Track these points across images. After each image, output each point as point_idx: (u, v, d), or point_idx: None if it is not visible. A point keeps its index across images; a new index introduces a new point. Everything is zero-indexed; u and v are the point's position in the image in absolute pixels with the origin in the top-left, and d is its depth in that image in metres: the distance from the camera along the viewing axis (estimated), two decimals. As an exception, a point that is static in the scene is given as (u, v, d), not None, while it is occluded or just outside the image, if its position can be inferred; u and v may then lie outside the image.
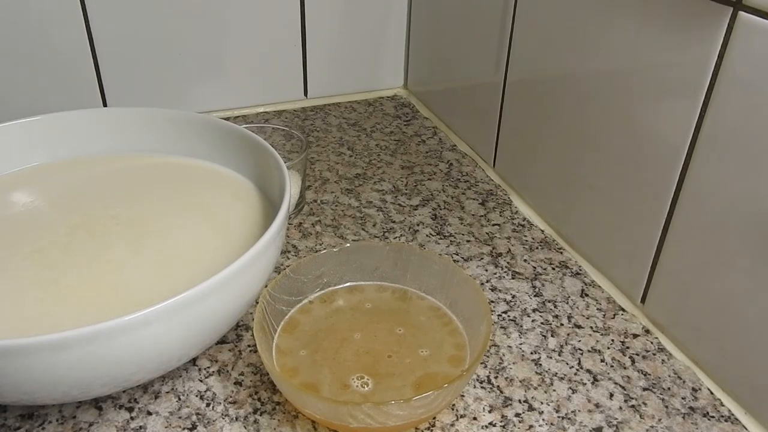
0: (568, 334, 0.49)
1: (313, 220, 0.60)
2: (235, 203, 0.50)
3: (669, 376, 0.45)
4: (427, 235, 0.59)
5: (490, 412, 0.42)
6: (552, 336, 0.48)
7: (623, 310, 0.51)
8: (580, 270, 0.55)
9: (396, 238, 0.58)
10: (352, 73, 0.83)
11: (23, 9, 0.66)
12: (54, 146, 0.54)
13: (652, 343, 0.48)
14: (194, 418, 0.42)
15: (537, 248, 0.57)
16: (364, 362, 0.43)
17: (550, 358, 0.47)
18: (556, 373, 0.45)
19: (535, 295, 0.52)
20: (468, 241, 0.58)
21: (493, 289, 0.53)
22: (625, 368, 0.46)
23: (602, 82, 0.50)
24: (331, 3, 0.77)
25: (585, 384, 0.45)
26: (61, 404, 0.42)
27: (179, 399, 0.43)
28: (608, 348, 0.48)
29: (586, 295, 0.52)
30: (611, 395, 0.44)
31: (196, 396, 0.43)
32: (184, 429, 0.41)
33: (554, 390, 0.44)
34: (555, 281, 0.54)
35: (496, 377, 0.45)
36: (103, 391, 0.39)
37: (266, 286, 0.44)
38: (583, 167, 0.54)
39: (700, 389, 0.44)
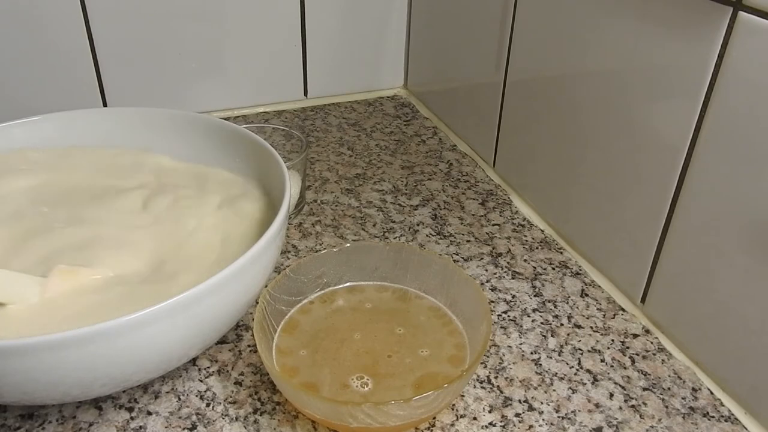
0: (568, 334, 0.49)
1: (313, 220, 0.60)
2: (234, 203, 0.50)
3: (669, 376, 0.45)
4: (427, 235, 0.59)
5: (490, 412, 0.42)
6: (552, 336, 0.48)
7: (623, 310, 0.51)
8: (580, 270, 0.55)
9: (396, 238, 0.58)
10: (352, 73, 0.83)
11: (23, 9, 0.66)
12: (53, 146, 0.54)
13: (652, 343, 0.48)
14: (194, 418, 0.42)
15: (537, 248, 0.57)
16: (364, 362, 0.43)
17: (550, 358, 0.47)
18: (556, 373, 0.45)
19: (535, 295, 0.52)
20: (468, 241, 0.58)
21: (493, 289, 0.53)
22: (625, 368, 0.46)
23: (602, 82, 0.50)
24: (331, 3, 0.77)
25: (585, 384, 0.45)
26: (61, 404, 0.42)
27: (179, 399, 0.43)
28: (608, 348, 0.48)
29: (586, 295, 0.52)
30: (611, 395, 0.44)
31: (196, 396, 0.43)
32: (184, 429, 0.41)
33: (554, 390, 0.44)
34: (555, 281, 0.54)
35: (496, 377, 0.45)
36: (103, 391, 0.39)
37: (266, 286, 0.44)
38: (583, 167, 0.54)
39: (700, 389, 0.44)
